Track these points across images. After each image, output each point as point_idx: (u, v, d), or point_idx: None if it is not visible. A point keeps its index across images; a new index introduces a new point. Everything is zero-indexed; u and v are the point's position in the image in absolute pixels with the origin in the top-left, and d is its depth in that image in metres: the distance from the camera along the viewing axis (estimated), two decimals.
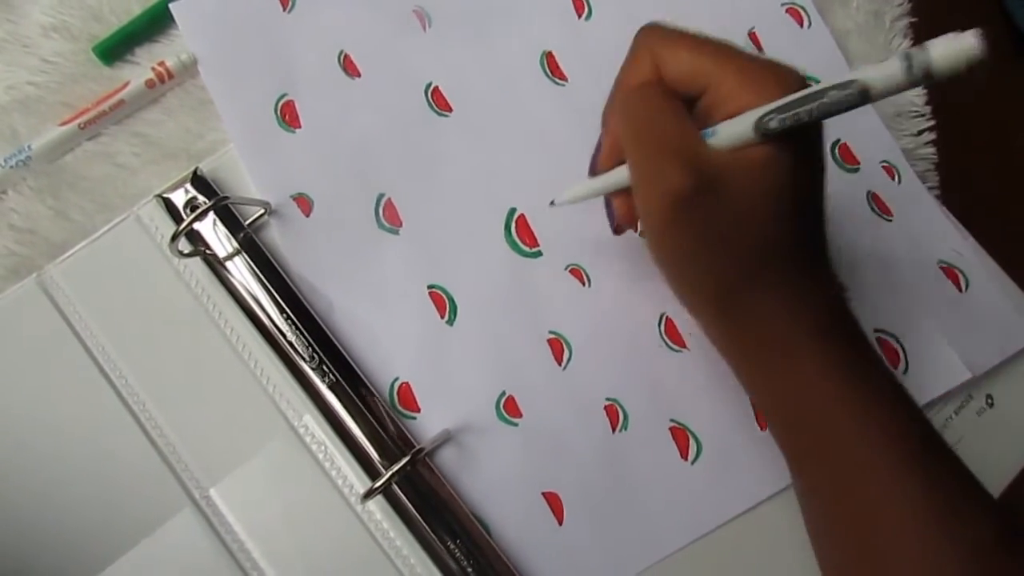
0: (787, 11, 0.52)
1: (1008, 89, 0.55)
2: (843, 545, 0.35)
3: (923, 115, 0.51)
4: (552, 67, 0.50)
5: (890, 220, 0.48)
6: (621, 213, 0.40)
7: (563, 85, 0.49)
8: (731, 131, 0.31)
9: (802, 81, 0.31)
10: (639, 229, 0.44)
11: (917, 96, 0.51)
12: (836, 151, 0.49)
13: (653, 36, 0.35)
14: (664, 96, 0.33)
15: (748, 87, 0.31)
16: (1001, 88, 0.54)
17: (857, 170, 0.49)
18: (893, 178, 0.49)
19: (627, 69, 0.36)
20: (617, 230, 0.42)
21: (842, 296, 0.36)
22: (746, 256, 0.33)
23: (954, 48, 0.24)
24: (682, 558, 0.43)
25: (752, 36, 0.51)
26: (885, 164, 0.49)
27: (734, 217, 0.32)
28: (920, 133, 0.51)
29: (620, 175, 0.37)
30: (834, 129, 0.49)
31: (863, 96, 0.27)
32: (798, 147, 0.31)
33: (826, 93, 0.28)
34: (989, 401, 0.47)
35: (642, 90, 0.34)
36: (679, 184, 0.31)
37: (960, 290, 0.48)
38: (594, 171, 0.40)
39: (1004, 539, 0.33)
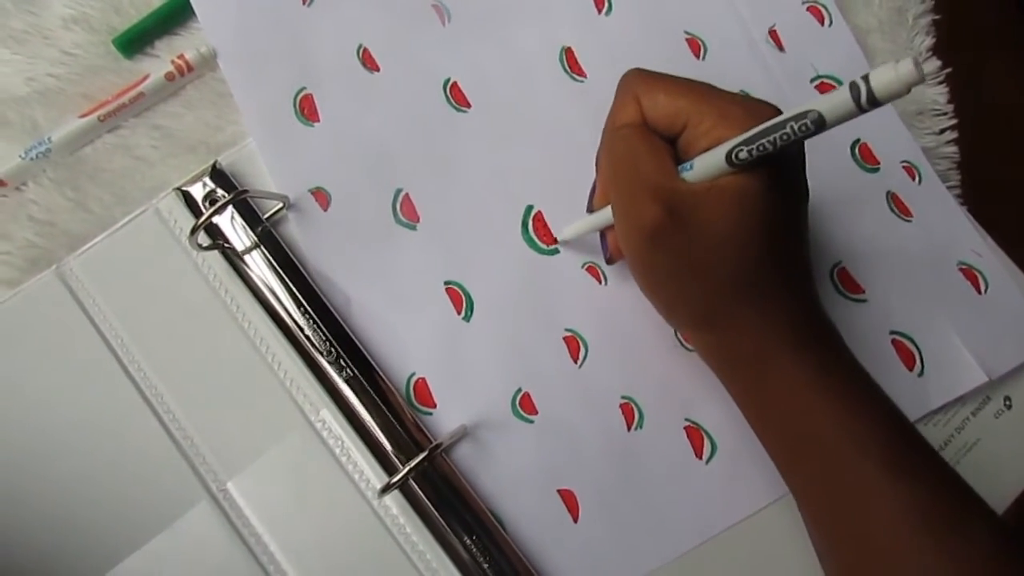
0: (808, 9, 0.51)
1: None
2: (840, 551, 0.36)
3: (945, 113, 0.51)
4: (571, 63, 0.49)
5: (909, 221, 0.48)
6: (613, 246, 0.43)
7: (582, 82, 0.49)
8: (706, 164, 0.33)
9: (774, 114, 0.33)
10: None
11: (939, 94, 0.51)
12: (856, 151, 0.49)
13: (635, 81, 0.37)
14: (642, 136, 0.36)
15: (722, 122, 0.34)
16: (1023, 86, 0.53)
17: (877, 170, 0.49)
18: (913, 178, 0.49)
19: (614, 113, 0.38)
20: (609, 261, 0.45)
21: (820, 306, 0.38)
22: (721, 281, 0.35)
23: (893, 76, 0.26)
24: (696, 556, 0.43)
25: (773, 34, 0.50)
26: (905, 164, 0.49)
27: (708, 245, 0.34)
28: (942, 132, 0.51)
29: (610, 213, 0.39)
30: (854, 129, 0.49)
31: (818, 125, 0.29)
32: (773, 176, 0.33)
33: (786, 124, 0.30)
34: (1007, 403, 0.47)
35: (622, 131, 0.36)
36: (651, 218, 0.34)
37: (979, 292, 0.47)
38: (591, 208, 0.43)
39: (1001, 546, 0.34)
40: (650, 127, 0.36)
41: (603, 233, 0.44)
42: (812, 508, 0.38)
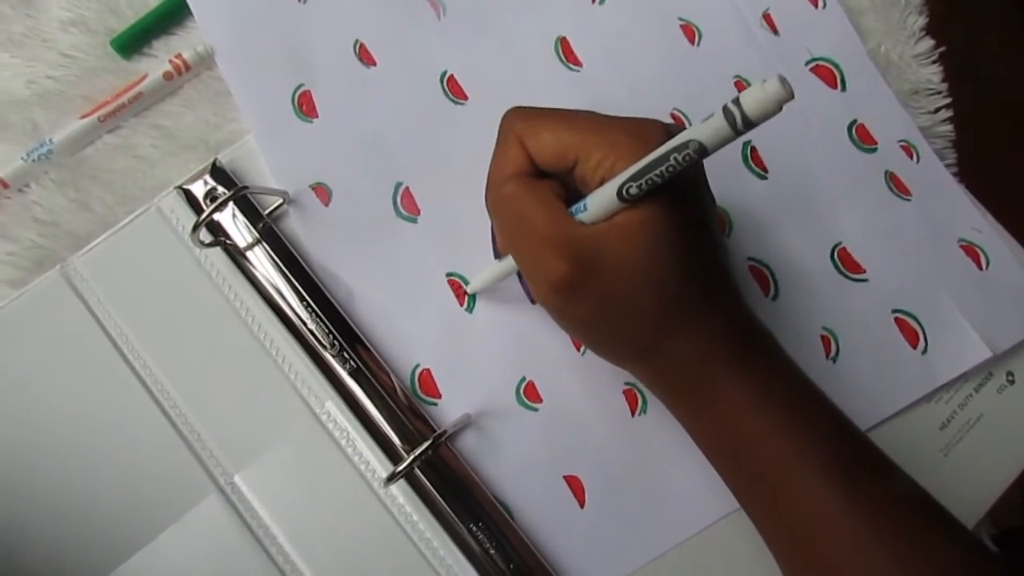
0: None
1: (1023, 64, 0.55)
2: (797, 569, 0.36)
3: (939, 92, 0.51)
4: (567, 53, 0.50)
5: (909, 200, 0.48)
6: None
7: (578, 71, 0.49)
8: (598, 202, 0.33)
9: (662, 134, 0.33)
10: None
11: (933, 74, 0.51)
12: (854, 131, 0.49)
13: (516, 121, 0.36)
14: (528, 188, 0.35)
15: (612, 153, 0.33)
16: (1017, 63, 0.54)
17: (875, 150, 0.49)
18: (911, 157, 0.49)
19: (498, 158, 0.37)
20: (533, 301, 0.45)
21: (750, 314, 0.37)
22: (643, 317, 0.35)
23: (762, 96, 0.27)
24: (703, 540, 0.43)
25: (767, 18, 0.51)
26: (903, 143, 0.49)
27: (622, 284, 0.33)
28: (937, 111, 0.51)
29: (510, 263, 0.40)
30: (851, 110, 0.49)
31: (700, 152, 0.29)
32: (669, 200, 0.33)
33: (669, 156, 0.30)
34: (1010, 378, 0.47)
35: (506, 187, 0.35)
36: (557, 273, 0.33)
37: (980, 268, 0.48)
38: (497, 254, 0.43)
39: (969, 566, 0.34)
40: (539, 167, 0.35)
41: (520, 275, 0.43)
42: (768, 532, 0.37)
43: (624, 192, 0.32)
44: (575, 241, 0.33)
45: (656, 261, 0.33)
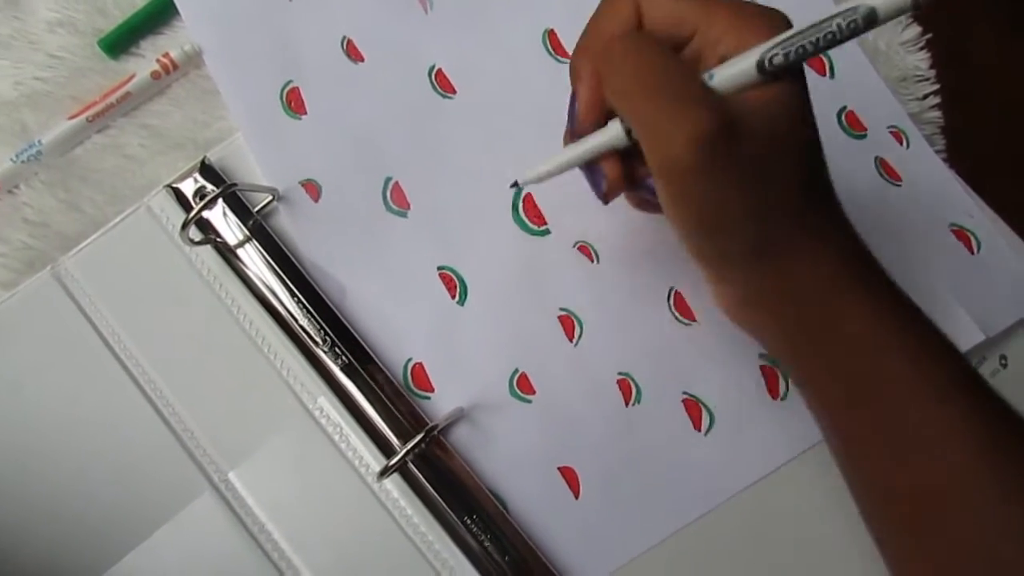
0: None
1: (1012, 48, 0.55)
2: (901, 502, 0.33)
3: (928, 79, 0.51)
4: (554, 45, 0.49)
5: (899, 185, 0.48)
6: (612, 177, 0.34)
7: (566, 63, 0.49)
8: (731, 72, 0.30)
9: (789, 22, 0.30)
10: (636, 201, 0.40)
11: (921, 60, 0.51)
12: (843, 118, 0.49)
13: None
14: (651, 40, 0.31)
15: (738, 29, 0.30)
16: (1005, 48, 0.54)
17: (864, 136, 0.49)
18: (901, 143, 0.49)
19: (604, 16, 0.34)
20: (606, 198, 0.35)
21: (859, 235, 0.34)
22: (781, 197, 0.31)
23: None
24: (698, 528, 0.43)
25: None
26: (893, 129, 0.49)
27: (767, 154, 0.30)
28: (925, 97, 0.51)
29: (607, 136, 0.33)
30: (839, 97, 0.49)
31: (869, 20, 0.27)
32: (804, 85, 0.30)
33: (831, 21, 0.27)
34: (1003, 362, 0.47)
35: (635, 38, 0.32)
36: (706, 126, 0.28)
37: (972, 252, 0.47)
38: (573, 136, 0.35)
39: None
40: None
41: (591, 166, 0.35)
42: (869, 458, 0.33)
43: (767, 62, 0.28)
44: (720, 98, 0.29)
45: (794, 137, 0.30)
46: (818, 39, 0.28)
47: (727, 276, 0.34)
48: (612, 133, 0.33)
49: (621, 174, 0.34)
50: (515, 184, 0.37)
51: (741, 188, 0.30)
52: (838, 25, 0.27)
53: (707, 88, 0.30)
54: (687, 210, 0.31)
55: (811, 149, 0.32)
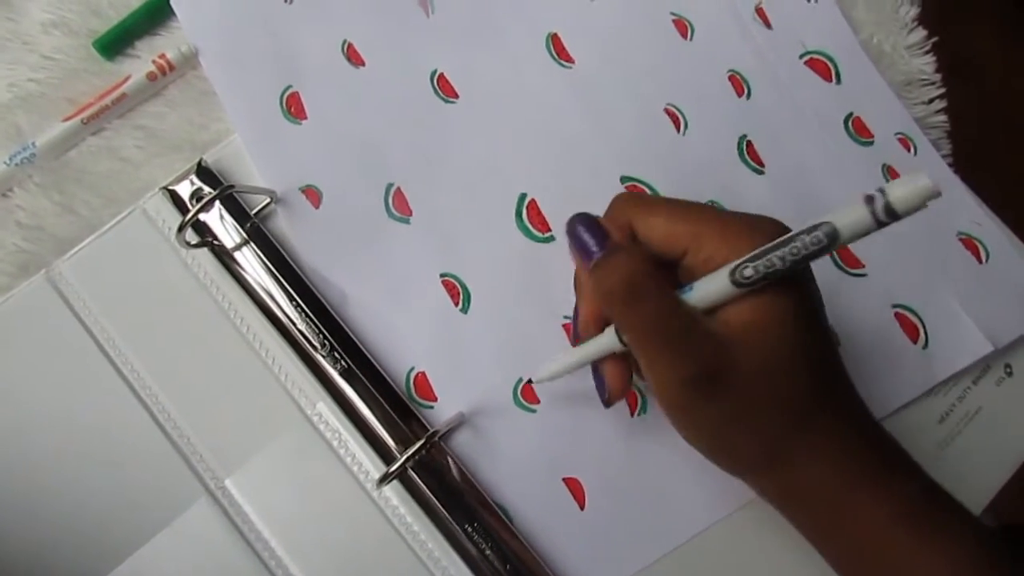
0: None
1: (1017, 50, 0.55)
2: None
3: (933, 83, 0.51)
4: (558, 49, 0.49)
5: None
6: (614, 384, 0.37)
7: (570, 68, 0.49)
8: (708, 287, 0.32)
9: (782, 229, 0.31)
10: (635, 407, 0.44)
11: (926, 64, 0.51)
12: (850, 124, 0.49)
13: (628, 204, 0.35)
14: (648, 276, 0.33)
15: (724, 244, 0.32)
16: (1010, 51, 0.53)
17: (872, 143, 0.48)
18: (909, 150, 0.49)
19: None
20: (608, 402, 0.38)
21: (873, 419, 0.35)
22: (776, 418, 0.32)
23: (911, 188, 0.26)
24: (703, 540, 0.42)
25: (759, 12, 0.50)
26: (900, 136, 0.49)
27: (755, 383, 0.32)
28: (931, 101, 0.50)
29: (604, 342, 0.36)
30: (846, 103, 0.49)
31: (832, 238, 0.28)
32: (793, 295, 0.31)
33: (797, 239, 0.29)
34: (1008, 370, 0.46)
35: (643, 285, 0.33)
36: (694, 371, 0.31)
37: (980, 262, 0.47)
38: (576, 340, 0.39)
39: None
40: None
41: (597, 367, 0.38)
42: None
43: (738, 274, 0.30)
44: (707, 336, 0.31)
45: (786, 354, 0.32)
46: (784, 255, 0.29)
47: (738, 477, 0.36)
48: (608, 340, 0.36)
49: (622, 384, 0.37)
50: (530, 381, 0.43)
51: (735, 419, 0.33)
52: (803, 241, 0.28)
53: (702, 333, 0.31)
54: (688, 434, 0.35)
55: (812, 356, 0.32)
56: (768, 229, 0.31)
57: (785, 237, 0.29)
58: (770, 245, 0.30)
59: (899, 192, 0.26)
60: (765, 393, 0.32)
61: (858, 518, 0.33)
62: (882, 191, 0.26)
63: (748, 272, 0.30)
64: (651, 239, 0.34)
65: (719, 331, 0.32)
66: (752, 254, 0.30)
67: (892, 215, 0.26)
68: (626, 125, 0.48)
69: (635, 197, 0.36)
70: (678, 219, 0.33)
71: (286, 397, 0.42)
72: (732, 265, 0.30)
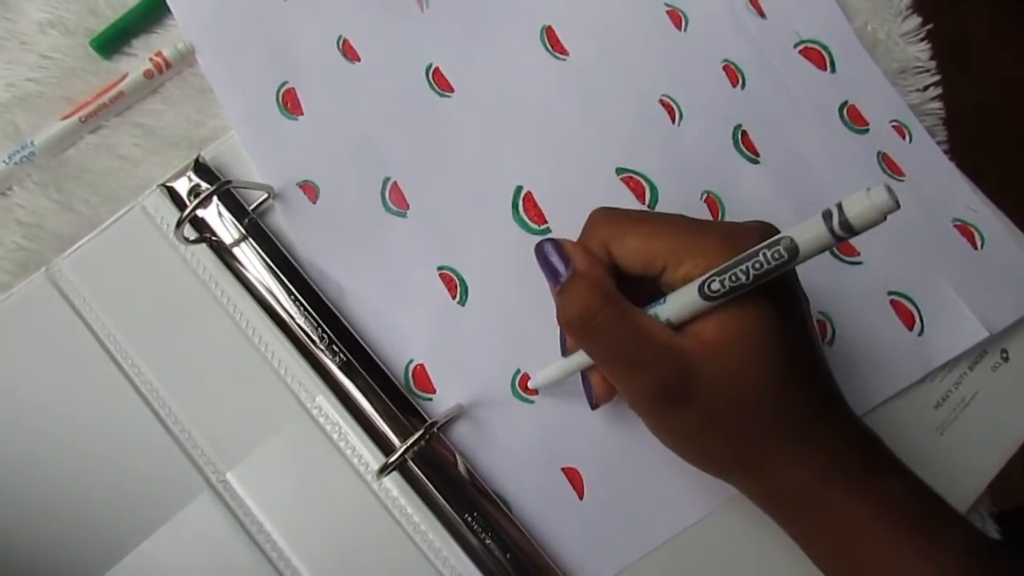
0: None
1: (1012, 36, 0.55)
2: None
3: (928, 70, 0.51)
4: (552, 41, 0.49)
5: (902, 180, 0.48)
6: (599, 390, 0.40)
7: (564, 60, 0.49)
8: (680, 300, 0.32)
9: (768, 233, 0.31)
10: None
11: (921, 51, 0.51)
12: (845, 113, 0.49)
13: (602, 224, 0.36)
14: (606, 302, 0.33)
15: (702, 260, 0.32)
16: (1005, 38, 0.53)
17: (867, 131, 0.48)
18: (904, 137, 0.49)
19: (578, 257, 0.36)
20: (595, 406, 0.41)
21: (856, 420, 0.35)
22: (749, 426, 0.33)
23: (867, 204, 0.26)
24: (703, 528, 0.43)
25: (753, 2, 0.50)
26: (895, 123, 0.49)
27: (725, 394, 0.32)
28: (926, 88, 0.50)
29: (586, 356, 0.38)
30: (842, 91, 0.49)
31: (792, 252, 0.28)
32: (766, 303, 0.32)
33: (758, 253, 0.29)
34: (1004, 356, 0.46)
35: (586, 309, 0.33)
36: (657, 382, 0.32)
37: (975, 248, 0.47)
38: (565, 351, 0.41)
39: None
40: (623, 271, 0.35)
41: (585, 375, 0.40)
42: None
43: (706, 288, 0.31)
44: (673, 351, 0.32)
45: (755, 365, 0.32)
46: (747, 268, 0.29)
47: (717, 478, 0.37)
48: (581, 359, 0.38)
49: (608, 391, 0.39)
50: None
51: (704, 428, 0.33)
52: (764, 256, 0.29)
53: (662, 350, 0.32)
54: (662, 439, 0.36)
55: (782, 365, 0.32)
56: (746, 240, 0.31)
57: (749, 252, 0.29)
58: (736, 259, 0.30)
59: (855, 209, 0.26)
60: (732, 403, 0.32)
61: (838, 518, 0.33)
62: (839, 206, 0.27)
63: (715, 286, 0.30)
64: (628, 261, 0.34)
65: (686, 345, 0.32)
66: (719, 268, 0.30)
67: (849, 230, 0.27)
68: (621, 116, 0.48)
69: (610, 217, 0.36)
70: (653, 237, 0.34)
71: (286, 391, 0.42)
72: (700, 280, 0.31)
